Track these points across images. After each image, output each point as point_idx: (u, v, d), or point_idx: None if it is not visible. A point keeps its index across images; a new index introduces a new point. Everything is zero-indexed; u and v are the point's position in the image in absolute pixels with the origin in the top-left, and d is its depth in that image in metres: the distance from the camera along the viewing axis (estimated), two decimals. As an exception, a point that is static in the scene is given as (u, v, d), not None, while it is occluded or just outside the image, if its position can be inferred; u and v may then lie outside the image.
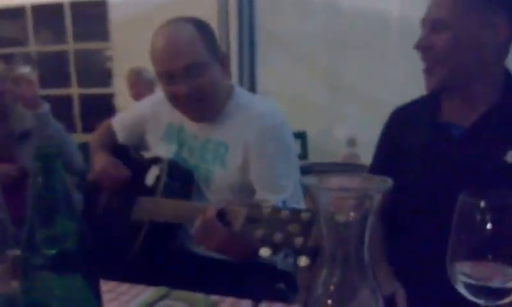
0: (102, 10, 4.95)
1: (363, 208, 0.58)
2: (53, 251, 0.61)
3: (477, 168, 1.19)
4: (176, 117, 1.56)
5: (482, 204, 0.66)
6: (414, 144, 1.31)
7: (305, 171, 2.83)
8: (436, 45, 1.21)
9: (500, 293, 0.66)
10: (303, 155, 3.75)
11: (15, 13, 5.38)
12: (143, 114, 1.68)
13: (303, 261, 0.88)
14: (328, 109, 4.06)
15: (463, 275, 0.67)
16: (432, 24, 1.22)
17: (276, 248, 0.92)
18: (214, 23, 4.16)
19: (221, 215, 1.16)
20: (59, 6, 5.17)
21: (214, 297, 1.06)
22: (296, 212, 0.92)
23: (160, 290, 1.08)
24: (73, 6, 5.16)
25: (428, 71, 1.25)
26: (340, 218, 0.59)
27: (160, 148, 1.60)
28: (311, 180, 0.61)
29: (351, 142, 3.02)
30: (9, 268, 0.67)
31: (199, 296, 1.05)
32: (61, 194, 0.61)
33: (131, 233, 1.49)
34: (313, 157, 3.71)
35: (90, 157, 1.74)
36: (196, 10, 4.84)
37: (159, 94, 1.63)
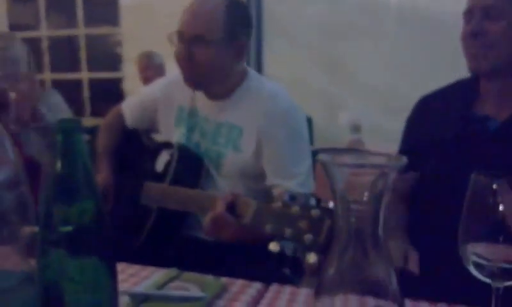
0: None
1: (378, 185, 0.58)
2: (69, 228, 0.60)
3: (508, 164, 1.16)
4: (187, 99, 1.57)
5: (495, 186, 0.66)
6: (445, 133, 1.30)
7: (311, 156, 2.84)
8: (489, 32, 1.20)
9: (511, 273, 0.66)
10: (309, 141, 3.77)
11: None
12: (154, 97, 1.68)
13: (312, 257, 0.89)
14: (332, 95, 4.06)
15: (475, 255, 0.67)
16: (484, 12, 1.21)
17: (285, 243, 0.93)
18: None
19: (231, 207, 1.18)
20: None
21: (224, 279, 1.06)
22: (306, 208, 0.93)
23: (171, 272, 1.09)
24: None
25: (478, 56, 1.23)
26: (355, 196, 0.59)
27: (170, 131, 1.60)
28: (326, 157, 0.61)
29: (356, 129, 3.02)
30: (27, 246, 0.66)
31: (209, 278, 1.06)
32: (81, 170, 0.60)
33: (140, 217, 1.50)
34: (319, 143, 3.72)
35: (97, 140, 1.74)
36: None
37: (169, 77, 1.64)
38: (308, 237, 0.91)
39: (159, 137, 1.67)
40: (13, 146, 0.67)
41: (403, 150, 1.43)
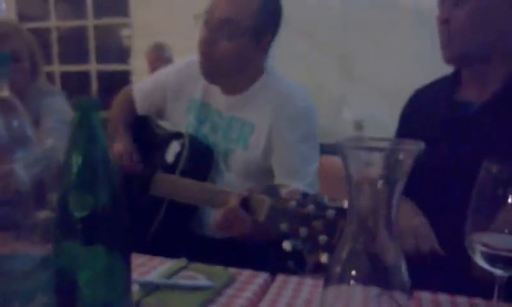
0: None
1: (393, 170, 0.58)
2: (84, 213, 0.58)
3: (493, 144, 1.20)
4: (200, 90, 1.55)
5: (505, 177, 0.67)
6: (434, 122, 1.32)
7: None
8: (457, 17, 1.22)
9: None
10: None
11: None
12: (165, 82, 1.64)
13: (325, 257, 0.90)
14: (336, 92, 4.08)
15: (481, 245, 0.69)
16: (453, 0, 1.23)
17: (300, 242, 0.94)
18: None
19: (245, 204, 1.18)
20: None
21: (232, 270, 1.08)
22: (321, 208, 0.93)
23: (180, 262, 1.10)
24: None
25: (446, 43, 1.26)
26: (371, 180, 0.58)
27: (180, 119, 1.59)
28: (344, 141, 0.61)
29: (358, 126, 3.04)
30: (43, 230, 0.65)
31: (217, 268, 1.07)
32: (99, 152, 0.58)
33: (150, 208, 1.50)
34: (322, 139, 3.74)
35: (110, 129, 1.70)
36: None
37: (182, 63, 1.61)
38: (322, 238, 0.91)
39: (168, 126, 1.65)
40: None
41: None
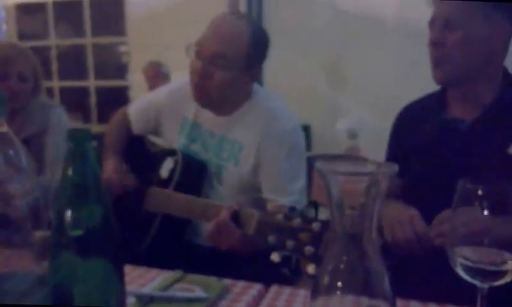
0: (120, 7, 5.10)
1: (371, 192, 0.62)
2: (79, 232, 0.63)
3: (482, 160, 1.24)
4: (190, 111, 1.60)
5: (480, 191, 0.71)
6: (423, 139, 1.37)
7: (309, 162, 2.88)
8: (447, 42, 1.27)
9: (495, 275, 0.71)
10: (307, 147, 3.83)
11: (37, 8, 5.53)
12: (159, 102, 1.70)
13: (311, 268, 0.93)
14: (330, 103, 4.14)
15: (462, 258, 0.72)
16: (444, 23, 1.28)
17: (287, 254, 0.98)
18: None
19: (235, 217, 1.22)
20: (79, 3, 5.33)
21: (227, 281, 1.11)
22: (307, 222, 0.97)
23: (175, 274, 1.13)
24: (92, 2, 5.32)
25: (438, 66, 1.30)
26: (351, 201, 0.63)
27: (173, 138, 1.63)
28: (324, 166, 0.65)
29: (352, 135, 3.09)
30: (40, 249, 0.69)
31: (212, 279, 1.10)
32: (91, 177, 0.63)
33: (144, 222, 1.54)
34: (317, 149, 3.79)
35: (104, 152, 1.74)
36: (207, 7, 4.91)
37: (175, 84, 1.67)
38: (308, 249, 0.95)
39: (162, 143, 1.70)
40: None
41: (388, 158, 1.51)
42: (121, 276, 0.68)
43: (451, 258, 0.74)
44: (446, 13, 1.28)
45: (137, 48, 4.97)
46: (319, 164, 0.63)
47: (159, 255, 1.48)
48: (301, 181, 1.49)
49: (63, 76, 5.49)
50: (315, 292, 0.65)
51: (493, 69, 1.30)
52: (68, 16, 5.52)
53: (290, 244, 0.98)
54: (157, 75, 4.19)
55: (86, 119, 5.31)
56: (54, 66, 5.49)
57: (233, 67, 1.45)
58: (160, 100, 1.70)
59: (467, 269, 0.71)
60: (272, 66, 4.35)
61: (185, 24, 3.42)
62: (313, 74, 4.20)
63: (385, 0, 3.92)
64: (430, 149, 1.35)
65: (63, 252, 0.64)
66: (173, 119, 1.65)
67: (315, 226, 0.96)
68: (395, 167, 0.62)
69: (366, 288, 0.63)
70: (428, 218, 1.26)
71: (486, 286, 0.72)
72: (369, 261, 0.63)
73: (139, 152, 1.66)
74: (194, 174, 1.54)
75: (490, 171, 1.23)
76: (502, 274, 0.70)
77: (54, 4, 5.46)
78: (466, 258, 0.71)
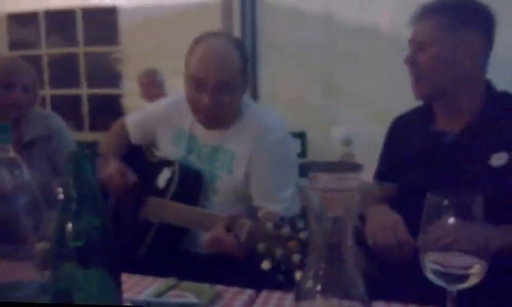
0: (112, 16, 5.13)
1: (346, 205, 0.68)
2: (79, 244, 0.69)
3: (466, 171, 1.32)
4: (187, 123, 1.66)
5: (446, 202, 0.77)
6: (412, 150, 1.45)
7: (305, 168, 2.95)
8: (421, 62, 1.36)
9: (462, 278, 0.77)
10: (303, 154, 3.91)
11: (29, 17, 5.54)
12: (155, 115, 1.77)
13: (300, 275, 0.99)
14: (325, 111, 4.21)
15: (432, 263, 0.78)
16: (417, 44, 1.38)
17: (276, 262, 1.04)
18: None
19: (229, 226, 1.29)
20: (72, 12, 5.35)
21: (219, 287, 1.16)
22: (295, 231, 1.04)
23: (170, 281, 1.19)
24: (85, 12, 5.34)
25: (414, 83, 1.40)
26: (328, 214, 0.68)
27: (169, 150, 1.69)
28: (302, 182, 0.72)
29: (347, 142, 3.16)
30: (41, 260, 0.75)
31: (205, 286, 1.16)
32: (90, 193, 0.69)
33: (141, 230, 1.59)
34: (312, 156, 3.85)
35: (102, 157, 1.80)
36: (200, 19, 4.97)
37: (172, 98, 1.73)
38: (296, 257, 1.01)
39: (160, 154, 1.75)
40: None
41: (381, 164, 1.59)
42: (118, 284, 0.74)
43: (422, 263, 0.80)
44: (420, 34, 1.38)
45: (131, 56, 5.01)
46: (299, 182, 0.70)
47: (154, 263, 1.54)
48: (291, 189, 1.55)
49: (55, 84, 5.49)
50: (298, 296, 0.71)
51: (474, 83, 1.38)
52: (61, 25, 5.52)
53: (278, 252, 1.04)
54: (151, 83, 4.25)
55: (79, 127, 5.33)
56: (46, 75, 5.50)
57: (236, 88, 1.54)
58: (158, 112, 1.77)
59: (436, 273, 0.77)
60: (268, 77, 4.46)
61: (178, 33, 3.48)
62: (308, 84, 4.28)
63: (378, 12, 3.99)
64: (418, 159, 1.42)
65: (64, 263, 0.69)
66: (169, 132, 1.71)
67: (303, 235, 1.02)
68: (372, 185, 0.68)
69: (344, 291, 0.69)
70: (417, 223, 1.34)
71: (454, 289, 0.77)
72: (346, 267, 0.70)
73: (136, 162, 1.71)
74: (191, 185, 1.60)
75: (473, 181, 1.30)
76: (468, 277, 0.76)
77: (46, 13, 5.48)
78: (436, 263, 0.77)
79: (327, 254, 0.70)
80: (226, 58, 1.52)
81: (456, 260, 0.77)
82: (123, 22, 5.10)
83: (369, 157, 1.69)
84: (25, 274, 0.74)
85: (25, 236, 0.73)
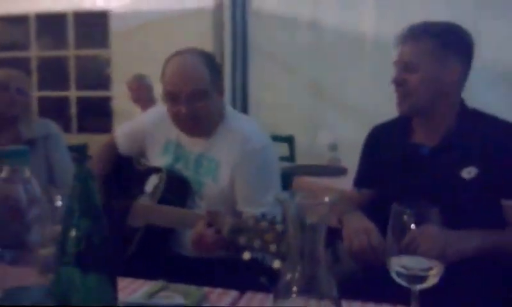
0: (104, 20, 5.18)
1: (319, 213, 0.76)
2: (78, 249, 0.75)
3: (439, 183, 1.44)
4: (173, 133, 1.75)
5: (407, 212, 0.86)
6: (390, 160, 1.55)
7: (293, 172, 3.02)
8: (408, 82, 1.47)
9: (423, 279, 0.87)
10: (291, 158, 3.99)
11: (19, 19, 5.58)
12: (143, 127, 1.86)
13: (277, 263, 1.08)
14: (313, 116, 4.30)
15: (397, 266, 0.86)
16: (403, 65, 1.48)
17: (255, 253, 1.14)
18: (209, 37, 4.41)
19: (211, 224, 1.36)
20: (63, 15, 5.40)
21: (206, 288, 1.24)
22: (272, 224, 1.13)
23: (159, 284, 1.26)
24: (77, 15, 5.38)
25: (401, 101, 1.50)
26: (304, 221, 0.76)
27: (157, 159, 1.78)
28: (281, 196, 0.79)
29: (333, 147, 3.24)
30: (44, 264, 0.82)
31: (192, 288, 1.23)
32: (92, 207, 0.77)
33: (129, 234, 1.67)
34: (300, 160, 3.92)
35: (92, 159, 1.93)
36: (192, 26, 4.99)
37: (158, 111, 1.81)
38: (273, 247, 1.11)
39: (148, 163, 1.84)
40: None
41: (359, 171, 1.69)
42: (114, 285, 0.81)
43: (389, 266, 0.88)
44: (405, 56, 1.48)
45: (121, 60, 5.07)
46: (278, 196, 0.78)
47: (141, 267, 1.61)
48: (273, 193, 1.62)
49: (44, 86, 5.52)
50: (277, 295, 0.79)
51: (451, 102, 1.49)
52: (52, 28, 5.56)
53: (257, 243, 1.14)
54: (140, 88, 4.32)
55: (66, 128, 5.34)
56: (34, 77, 5.52)
57: (209, 94, 1.63)
58: (145, 124, 1.86)
59: (400, 275, 0.86)
60: (257, 82, 4.55)
61: (169, 38, 3.54)
62: (296, 90, 4.37)
63: (363, 19, 4.09)
64: (395, 169, 1.53)
65: (65, 267, 0.76)
66: (157, 142, 1.80)
67: (279, 227, 1.12)
68: (336, 196, 0.75)
69: (317, 291, 0.76)
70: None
71: (416, 288, 0.86)
72: (320, 269, 0.77)
73: (125, 171, 1.79)
74: (177, 190, 1.68)
75: (446, 192, 1.41)
76: (426, 278, 0.85)
77: (37, 16, 5.53)
78: (400, 266, 0.86)
79: (303, 257, 0.77)
80: (194, 69, 1.63)
81: (417, 263, 0.85)
82: (114, 26, 5.14)
83: (355, 162, 1.77)
84: (30, 279, 0.81)
85: (33, 244, 0.81)
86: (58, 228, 0.78)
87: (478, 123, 1.48)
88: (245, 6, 4.48)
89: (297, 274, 0.77)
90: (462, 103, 1.52)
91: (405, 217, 0.87)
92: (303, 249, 0.77)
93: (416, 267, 0.86)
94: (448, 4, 3.74)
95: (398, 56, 1.51)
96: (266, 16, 4.41)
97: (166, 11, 4.69)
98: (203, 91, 1.62)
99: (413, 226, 0.86)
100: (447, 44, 1.46)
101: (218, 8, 4.50)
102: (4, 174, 0.82)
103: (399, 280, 0.87)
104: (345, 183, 1.94)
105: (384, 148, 1.60)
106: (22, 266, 0.80)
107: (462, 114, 1.49)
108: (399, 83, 1.48)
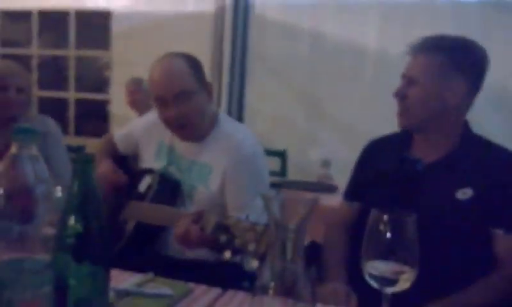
0: (106, 20, 5.18)
1: (301, 212, 0.81)
2: (77, 233, 0.79)
3: (432, 200, 1.45)
4: (167, 137, 1.82)
5: (385, 218, 0.93)
6: (384, 172, 1.56)
7: (282, 186, 3.06)
8: (409, 96, 1.49)
9: (395, 282, 0.93)
10: (283, 173, 3.96)
11: (21, 16, 5.58)
12: (137, 132, 1.94)
13: (254, 263, 1.14)
14: (306, 131, 4.33)
15: (371, 269, 0.93)
16: (408, 79, 1.50)
17: (235, 251, 1.18)
18: (208, 45, 4.45)
19: (196, 221, 1.40)
20: (65, 13, 5.40)
21: (191, 284, 1.30)
22: (253, 224, 1.18)
23: (147, 276, 1.32)
24: (79, 14, 5.39)
25: (401, 114, 1.53)
26: (285, 219, 0.81)
27: (152, 163, 1.85)
28: (265, 194, 0.85)
29: (325, 164, 3.27)
30: (47, 241, 0.86)
31: (179, 282, 1.30)
32: (91, 194, 0.80)
33: (121, 230, 1.73)
34: (292, 175, 3.93)
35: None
36: (191, 25, 4.99)
37: (152, 116, 1.88)
38: (251, 246, 1.15)
39: (143, 164, 1.90)
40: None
41: (350, 183, 1.72)
42: (107, 272, 0.85)
43: (363, 269, 0.95)
44: (412, 68, 1.50)
45: (120, 62, 5.08)
46: (263, 195, 0.83)
47: (129, 262, 1.66)
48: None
49: (44, 86, 5.52)
50: (255, 292, 0.83)
51: (454, 121, 1.50)
52: (54, 25, 5.57)
53: (237, 242, 1.18)
54: (137, 91, 4.37)
55: (64, 130, 5.31)
56: (35, 76, 5.54)
57: (195, 95, 1.69)
58: (141, 127, 1.94)
59: (372, 277, 0.93)
60: (253, 93, 4.59)
61: (170, 42, 3.57)
62: (291, 103, 4.40)
63: (365, 33, 4.11)
64: (389, 182, 1.54)
65: (61, 253, 0.80)
66: (151, 146, 1.87)
67: (259, 228, 1.16)
68: (314, 201, 0.81)
69: (293, 290, 0.80)
70: None
71: (388, 291, 0.93)
72: (297, 269, 0.83)
73: (122, 168, 1.85)
74: (169, 191, 1.75)
75: (437, 209, 1.43)
76: (397, 281, 0.92)
77: (40, 13, 5.52)
78: (374, 269, 0.92)
79: (282, 257, 0.83)
80: (179, 70, 1.69)
81: (391, 267, 0.92)
82: (115, 27, 5.13)
83: (346, 180, 1.81)
84: (33, 251, 0.86)
85: (40, 219, 0.87)
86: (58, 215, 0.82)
87: (480, 148, 1.49)
88: (247, 11, 4.48)
89: (275, 272, 0.81)
90: (466, 125, 1.52)
91: (382, 222, 0.93)
92: (284, 248, 0.80)
93: (388, 270, 0.92)
94: (455, 19, 3.67)
95: (405, 68, 1.52)
96: (267, 24, 4.42)
97: (167, 14, 4.66)
98: (189, 93, 1.68)
99: (388, 233, 0.93)
100: (456, 62, 1.45)
101: (220, 12, 4.52)
102: (13, 150, 0.86)
103: (371, 282, 0.94)
104: (335, 201, 1.95)
105: (380, 160, 1.61)
106: (28, 239, 0.85)
107: (464, 136, 1.49)
108: (400, 97, 1.50)
